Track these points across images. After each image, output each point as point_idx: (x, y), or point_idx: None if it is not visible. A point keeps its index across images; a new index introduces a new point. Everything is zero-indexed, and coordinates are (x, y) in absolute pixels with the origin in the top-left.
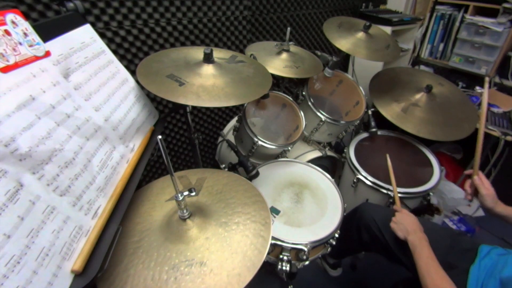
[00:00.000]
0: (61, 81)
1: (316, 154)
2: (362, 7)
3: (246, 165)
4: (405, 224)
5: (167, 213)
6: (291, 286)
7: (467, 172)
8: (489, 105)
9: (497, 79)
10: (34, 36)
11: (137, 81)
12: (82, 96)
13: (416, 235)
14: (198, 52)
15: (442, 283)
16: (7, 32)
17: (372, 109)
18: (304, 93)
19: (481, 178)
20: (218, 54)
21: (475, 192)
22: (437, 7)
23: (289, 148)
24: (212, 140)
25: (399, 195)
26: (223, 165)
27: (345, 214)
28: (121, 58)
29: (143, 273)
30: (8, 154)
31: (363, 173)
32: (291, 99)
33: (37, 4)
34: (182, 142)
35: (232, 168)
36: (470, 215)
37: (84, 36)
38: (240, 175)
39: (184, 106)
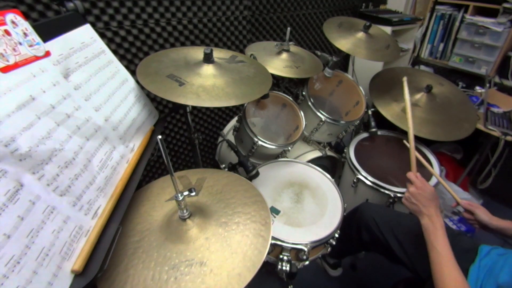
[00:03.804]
0: (61, 81)
1: (316, 154)
2: (362, 7)
3: (246, 165)
4: (419, 204)
5: (167, 213)
6: (291, 286)
7: (453, 204)
8: (489, 105)
9: (497, 79)
10: (34, 36)
11: (137, 81)
12: (82, 96)
13: (431, 221)
14: (198, 52)
15: (454, 283)
16: (7, 32)
17: (372, 109)
18: (304, 93)
19: (466, 202)
20: (218, 54)
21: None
22: (437, 7)
23: (289, 148)
24: (212, 140)
25: (399, 195)
26: (223, 165)
27: (345, 214)
28: (121, 58)
29: (143, 273)
30: (8, 154)
31: (363, 173)
32: (291, 99)
33: (37, 4)
34: (182, 142)
35: (232, 168)
36: None
37: (84, 36)
38: (240, 175)
39: (184, 106)
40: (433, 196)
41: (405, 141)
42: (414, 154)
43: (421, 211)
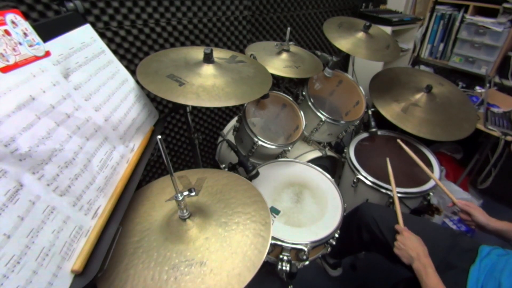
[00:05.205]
0: (61, 81)
1: (316, 154)
2: (362, 7)
3: (246, 165)
4: (408, 250)
5: (167, 213)
6: (291, 286)
7: (450, 204)
8: (489, 105)
9: (497, 79)
10: (34, 36)
11: (137, 81)
12: (82, 96)
13: (420, 262)
14: (198, 52)
15: None
16: (7, 32)
17: (372, 109)
18: (304, 93)
19: (462, 202)
20: (218, 54)
21: (470, 217)
22: (437, 7)
23: (289, 148)
24: (212, 140)
25: (399, 195)
26: (223, 165)
27: (345, 214)
28: (121, 58)
29: (143, 273)
30: (8, 154)
31: (363, 173)
32: (291, 99)
33: (37, 4)
34: (182, 142)
35: (232, 168)
36: None
37: (84, 36)
38: (240, 175)
39: (184, 106)
40: (418, 241)
41: (399, 142)
42: (399, 209)
43: (410, 255)
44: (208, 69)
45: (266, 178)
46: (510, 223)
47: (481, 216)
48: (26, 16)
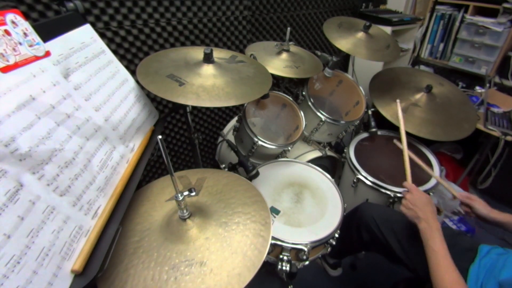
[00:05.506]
0: (61, 81)
1: (316, 154)
2: (362, 7)
3: (246, 165)
4: (416, 210)
5: (167, 213)
6: (291, 286)
7: (451, 197)
8: (489, 105)
9: (497, 79)
10: (34, 36)
11: (137, 81)
12: (82, 96)
13: (428, 224)
14: (198, 52)
15: (452, 285)
16: (7, 32)
17: (372, 109)
18: (304, 93)
19: (463, 195)
20: (218, 54)
21: (471, 209)
22: (437, 7)
23: (289, 148)
24: (212, 140)
25: (399, 195)
26: (223, 165)
27: (345, 214)
28: (121, 58)
29: (143, 273)
30: (8, 154)
31: (363, 173)
32: (291, 99)
33: (37, 4)
34: (182, 142)
35: (232, 168)
36: None
37: (84, 36)
38: (240, 175)
39: (184, 106)
40: (428, 201)
41: (396, 142)
42: (408, 165)
43: (418, 216)
44: (208, 69)
45: (266, 178)
46: (511, 215)
47: (482, 207)
48: (26, 16)
